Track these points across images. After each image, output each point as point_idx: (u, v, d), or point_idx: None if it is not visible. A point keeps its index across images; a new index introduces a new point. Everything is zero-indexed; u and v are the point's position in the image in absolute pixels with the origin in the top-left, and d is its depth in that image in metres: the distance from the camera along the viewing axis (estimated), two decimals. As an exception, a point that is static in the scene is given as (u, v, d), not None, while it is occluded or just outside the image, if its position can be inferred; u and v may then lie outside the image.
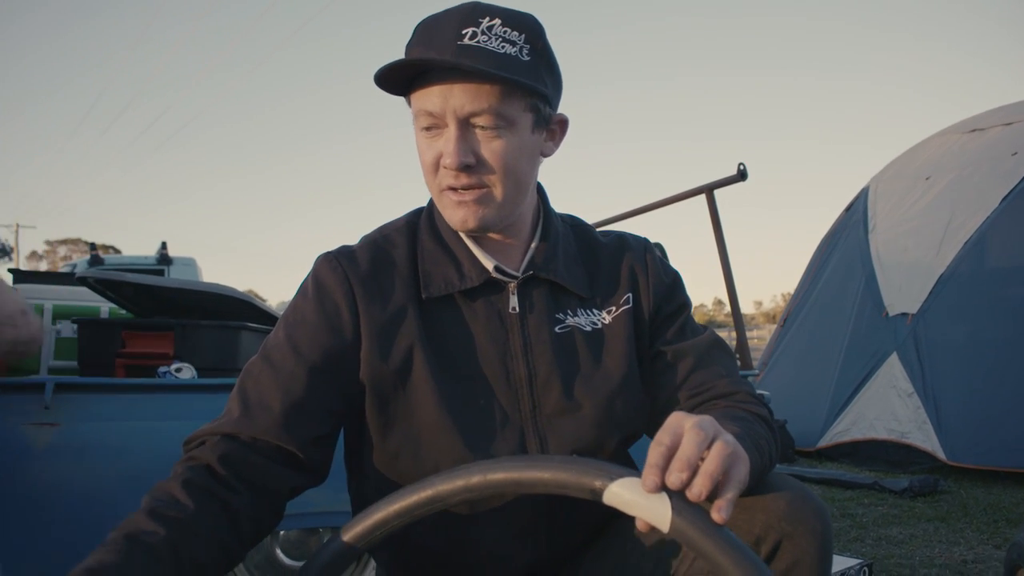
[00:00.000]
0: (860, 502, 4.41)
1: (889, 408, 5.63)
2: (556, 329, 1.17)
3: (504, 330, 1.15)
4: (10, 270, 4.34)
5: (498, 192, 1.09)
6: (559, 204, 1.27)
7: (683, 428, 0.82)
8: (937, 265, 5.73)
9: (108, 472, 1.67)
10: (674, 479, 0.77)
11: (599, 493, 0.81)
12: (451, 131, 1.06)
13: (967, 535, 3.64)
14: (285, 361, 1.08)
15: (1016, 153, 5.77)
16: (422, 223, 1.20)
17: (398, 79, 1.08)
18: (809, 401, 6.27)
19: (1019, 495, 4.37)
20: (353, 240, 1.22)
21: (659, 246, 2.64)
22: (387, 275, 1.15)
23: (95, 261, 7.77)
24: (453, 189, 1.09)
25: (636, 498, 0.79)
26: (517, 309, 1.16)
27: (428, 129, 1.08)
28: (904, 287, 5.94)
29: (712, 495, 0.79)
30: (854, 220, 7.00)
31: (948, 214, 5.91)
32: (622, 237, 1.31)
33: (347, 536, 0.93)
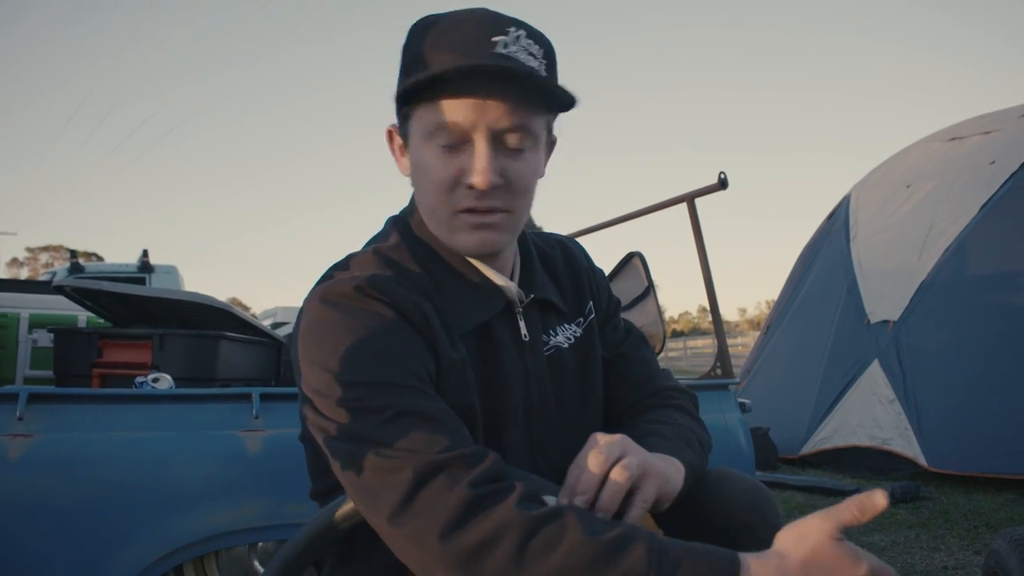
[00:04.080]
0: (842, 509, 4.42)
1: (871, 415, 5.65)
2: (544, 352, 1.13)
3: (521, 358, 1.09)
4: (-13, 278, 4.28)
5: (516, 215, 1.03)
6: (537, 214, 1.26)
7: (588, 450, 0.93)
8: (918, 272, 5.77)
9: (83, 484, 1.65)
10: (577, 501, 0.89)
11: None
12: (480, 147, 0.96)
13: (948, 541, 3.65)
14: (422, 381, 0.94)
15: (994, 162, 5.82)
16: (417, 248, 1.07)
17: (416, 86, 0.96)
18: (792, 408, 6.29)
19: (999, 501, 4.40)
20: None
21: (639, 255, 2.64)
22: (433, 307, 1.02)
23: (75, 268, 7.69)
24: (471, 211, 1.00)
25: None
26: (528, 336, 1.11)
27: (448, 146, 0.98)
28: (885, 294, 5.97)
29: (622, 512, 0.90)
30: (836, 228, 7.04)
31: (929, 222, 5.95)
32: (562, 243, 1.27)
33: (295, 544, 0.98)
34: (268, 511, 1.74)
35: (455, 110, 0.95)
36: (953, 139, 6.68)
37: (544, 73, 0.99)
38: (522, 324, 1.11)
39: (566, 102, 1.01)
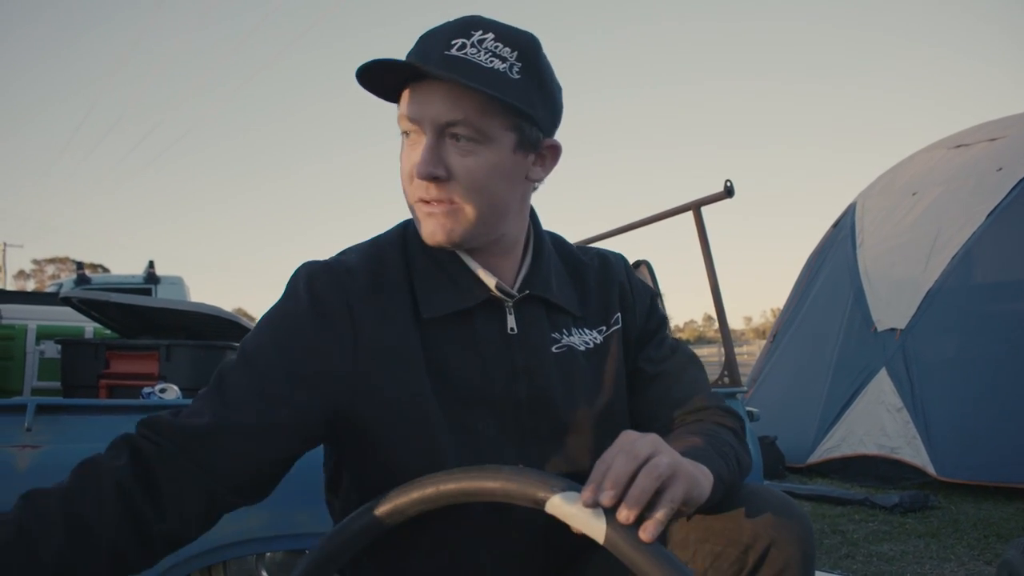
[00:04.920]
0: (851, 518, 4.41)
1: (879, 423, 5.63)
2: (553, 349, 1.15)
3: (507, 351, 1.12)
4: (-6, 290, 4.30)
5: (468, 209, 1.05)
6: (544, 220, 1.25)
7: (619, 447, 0.90)
8: (924, 280, 5.76)
9: (90, 495, 1.65)
10: (603, 497, 0.84)
11: (542, 503, 0.88)
12: (425, 140, 1.03)
13: (958, 551, 3.63)
14: (271, 369, 1.01)
15: (1001, 169, 5.82)
16: (414, 236, 1.14)
17: (389, 85, 1.06)
18: (799, 417, 6.27)
19: (1009, 510, 4.37)
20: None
21: (647, 263, 2.64)
22: (386, 294, 1.09)
23: (81, 280, 7.69)
24: (424, 201, 1.05)
25: (575, 511, 0.85)
26: (516, 329, 1.13)
27: (407, 135, 1.06)
28: (892, 302, 5.96)
29: (647, 512, 0.85)
30: (842, 236, 7.03)
31: (935, 229, 5.94)
32: (603, 255, 1.29)
33: (314, 557, 0.98)
34: (276, 521, 1.73)
35: (407, 104, 1.05)
36: (959, 146, 6.68)
37: (516, 76, 1.04)
38: (511, 318, 1.13)
39: (514, 106, 1.03)
